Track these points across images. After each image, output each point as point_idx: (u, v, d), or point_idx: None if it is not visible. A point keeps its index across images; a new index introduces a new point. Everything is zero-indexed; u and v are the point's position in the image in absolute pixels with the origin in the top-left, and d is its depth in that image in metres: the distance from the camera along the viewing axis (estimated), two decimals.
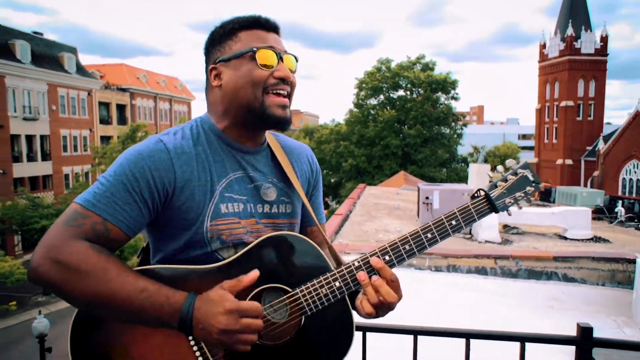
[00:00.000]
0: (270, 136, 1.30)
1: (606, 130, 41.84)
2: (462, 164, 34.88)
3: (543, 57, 44.76)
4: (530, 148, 54.83)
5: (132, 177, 1.07)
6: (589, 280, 5.04)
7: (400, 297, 1.15)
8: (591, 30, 41.67)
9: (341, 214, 9.10)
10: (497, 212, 1.19)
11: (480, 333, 1.42)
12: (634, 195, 32.00)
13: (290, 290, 1.13)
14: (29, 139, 28.68)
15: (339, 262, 1.24)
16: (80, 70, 33.49)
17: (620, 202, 13.95)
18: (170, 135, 1.17)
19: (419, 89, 33.64)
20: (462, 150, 38.26)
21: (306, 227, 1.35)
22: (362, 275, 1.13)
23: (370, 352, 1.56)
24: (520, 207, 1.24)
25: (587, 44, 41.21)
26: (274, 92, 1.16)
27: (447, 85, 33.28)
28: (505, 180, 1.22)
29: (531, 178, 1.23)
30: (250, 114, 1.16)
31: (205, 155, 1.16)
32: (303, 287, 1.12)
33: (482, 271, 5.43)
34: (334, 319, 1.16)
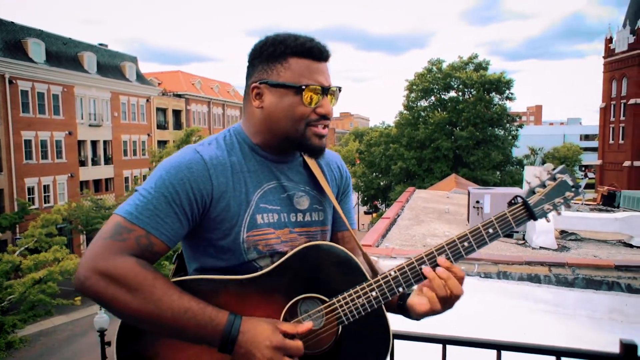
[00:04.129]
0: None
1: None
2: (517, 167, 33.42)
3: (609, 52, 41.82)
4: (593, 149, 51.59)
5: (172, 189, 1.08)
6: None
7: (462, 292, 1.15)
8: None
9: (388, 217, 8.93)
10: (535, 219, 1.15)
11: (512, 345, 1.34)
12: None
13: (327, 299, 1.14)
14: (94, 144, 30.61)
15: (372, 268, 1.23)
16: (140, 78, 35.26)
17: None
18: (205, 145, 1.18)
19: (472, 90, 32.65)
20: (518, 152, 36.68)
21: (337, 232, 1.35)
22: (427, 269, 1.15)
23: None
24: (559, 213, 1.18)
25: None
26: (315, 125, 1.18)
27: (501, 85, 32.09)
28: (544, 185, 1.20)
29: (570, 183, 1.20)
30: (288, 142, 1.19)
31: (240, 166, 1.18)
32: (340, 297, 1.14)
33: (535, 279, 5.16)
34: (371, 326, 1.17)
